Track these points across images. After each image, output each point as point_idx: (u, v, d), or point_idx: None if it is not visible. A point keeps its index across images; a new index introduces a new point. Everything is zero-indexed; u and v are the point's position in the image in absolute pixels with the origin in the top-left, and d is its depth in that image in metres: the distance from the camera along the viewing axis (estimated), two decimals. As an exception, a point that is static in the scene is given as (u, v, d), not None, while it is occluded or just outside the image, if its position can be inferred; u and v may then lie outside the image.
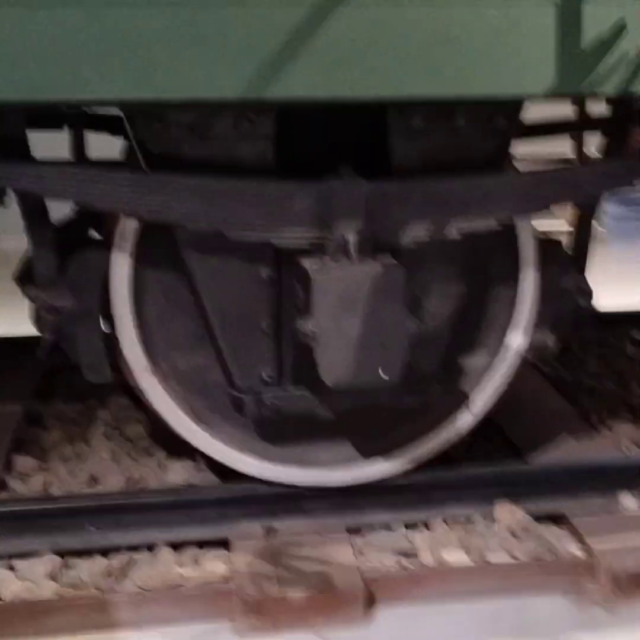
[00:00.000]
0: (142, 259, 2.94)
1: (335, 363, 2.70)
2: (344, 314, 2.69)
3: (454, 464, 3.43)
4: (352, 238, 2.77)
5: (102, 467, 3.60)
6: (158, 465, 3.63)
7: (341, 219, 2.77)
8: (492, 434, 3.80)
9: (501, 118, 2.90)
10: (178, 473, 3.50)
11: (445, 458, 3.38)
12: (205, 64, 2.39)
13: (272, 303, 2.97)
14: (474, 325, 3.23)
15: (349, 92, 2.51)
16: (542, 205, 2.94)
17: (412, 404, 3.10)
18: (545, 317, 3.24)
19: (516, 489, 3.34)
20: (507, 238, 3.12)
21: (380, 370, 2.72)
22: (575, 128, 3.88)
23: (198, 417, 3.12)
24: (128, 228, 2.88)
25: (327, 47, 2.42)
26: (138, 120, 2.75)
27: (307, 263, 2.77)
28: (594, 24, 2.52)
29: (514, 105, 2.90)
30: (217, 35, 2.37)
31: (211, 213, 2.74)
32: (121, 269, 2.92)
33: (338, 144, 2.93)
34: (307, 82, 2.43)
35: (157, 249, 2.95)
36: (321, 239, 2.79)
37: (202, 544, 3.10)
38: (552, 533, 3.23)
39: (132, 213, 2.77)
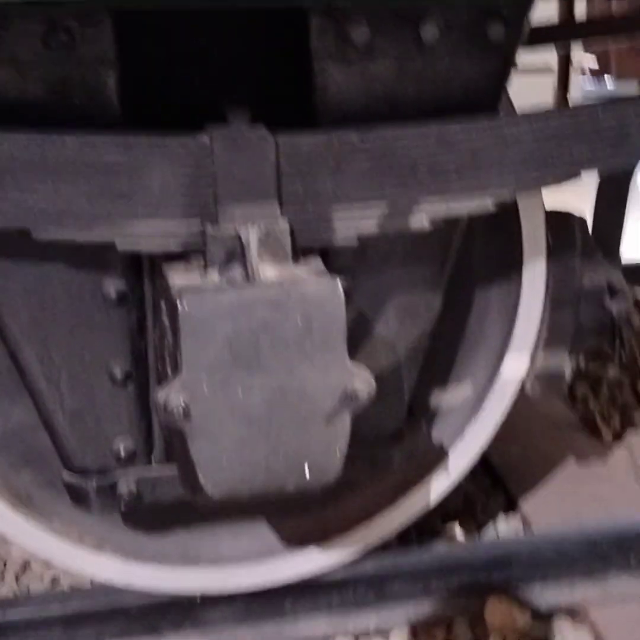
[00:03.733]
0: None
1: (219, 460, 1.56)
2: (236, 374, 1.55)
3: (417, 540, 2.38)
4: (252, 235, 1.62)
5: None
6: None
7: (232, 201, 1.62)
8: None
9: (499, 25, 1.72)
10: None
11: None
12: None
13: (128, 335, 1.82)
14: (452, 351, 2.13)
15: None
16: (567, 170, 1.78)
17: (359, 475, 2.00)
18: (558, 331, 2.14)
19: (513, 573, 2.29)
20: (501, 219, 1.98)
21: (303, 469, 1.60)
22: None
23: (20, 501, 2.00)
24: None
25: None
26: None
27: (174, 281, 1.62)
28: None
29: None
30: None
31: (2, 198, 1.56)
32: None
33: (224, 74, 1.74)
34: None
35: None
36: (199, 237, 1.64)
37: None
38: (566, 640, 2.22)
39: None
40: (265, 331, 1.55)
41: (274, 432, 1.57)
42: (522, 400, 2.23)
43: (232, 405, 1.55)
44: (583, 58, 8.11)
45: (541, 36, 2.78)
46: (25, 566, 2.47)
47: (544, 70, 7.29)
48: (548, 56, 6.68)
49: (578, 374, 3.51)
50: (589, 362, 3.60)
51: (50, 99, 1.60)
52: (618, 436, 3.13)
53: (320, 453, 1.60)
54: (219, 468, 1.56)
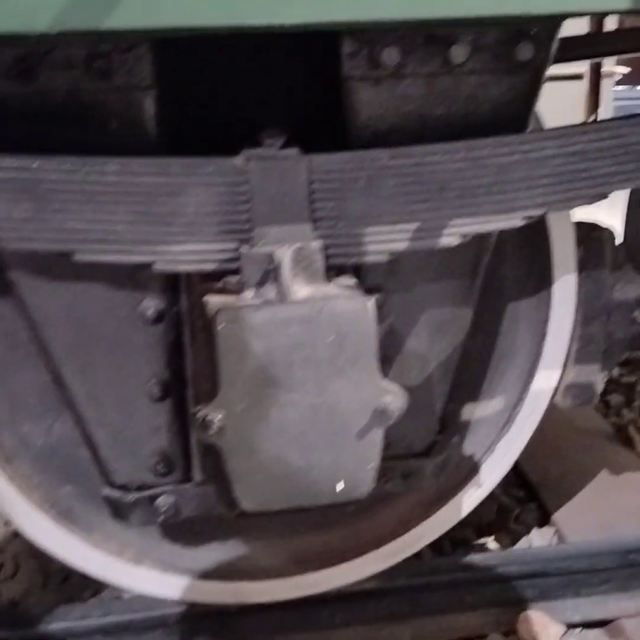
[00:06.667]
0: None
1: (254, 475, 1.60)
2: (271, 391, 1.59)
3: (452, 552, 2.39)
4: (286, 255, 1.66)
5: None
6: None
7: (266, 222, 1.66)
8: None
9: (528, 45, 1.74)
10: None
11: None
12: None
13: (166, 353, 1.87)
14: (483, 365, 2.15)
15: (266, 16, 1.36)
16: (596, 189, 1.80)
17: (392, 488, 2.03)
18: (590, 346, 2.16)
19: (546, 586, 2.31)
20: (530, 233, 2.01)
21: (336, 484, 1.63)
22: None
23: (62, 514, 2.06)
24: None
25: None
26: None
27: (211, 300, 1.66)
28: None
29: (552, 21, 1.74)
30: None
31: (46, 222, 1.62)
32: None
33: (258, 99, 1.79)
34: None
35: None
36: (234, 257, 1.68)
37: None
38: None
39: None
40: (298, 348, 1.59)
41: (308, 448, 1.61)
42: (555, 411, 2.25)
43: (267, 421, 1.59)
44: (614, 65, 8.07)
45: (570, 49, 2.79)
46: (66, 578, 2.51)
47: (574, 77, 7.27)
48: (579, 63, 6.65)
49: (612, 384, 3.53)
50: (624, 373, 3.61)
51: (90, 124, 1.65)
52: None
53: (353, 468, 1.64)
54: (253, 483, 1.60)
